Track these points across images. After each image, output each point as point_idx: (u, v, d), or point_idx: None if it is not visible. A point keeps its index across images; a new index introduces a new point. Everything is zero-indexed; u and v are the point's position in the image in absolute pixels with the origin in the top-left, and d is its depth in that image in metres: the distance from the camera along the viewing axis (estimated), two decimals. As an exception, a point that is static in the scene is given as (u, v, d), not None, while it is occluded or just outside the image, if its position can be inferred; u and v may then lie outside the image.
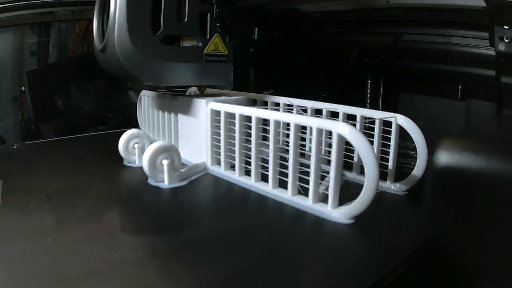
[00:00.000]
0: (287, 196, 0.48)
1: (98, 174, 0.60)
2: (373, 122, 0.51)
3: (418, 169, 0.48)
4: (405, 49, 0.80)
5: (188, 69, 0.57)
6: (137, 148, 0.63)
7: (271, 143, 0.49)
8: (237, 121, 0.53)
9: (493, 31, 0.64)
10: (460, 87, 0.74)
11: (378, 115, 0.51)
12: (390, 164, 0.50)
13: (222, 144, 0.57)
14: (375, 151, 0.50)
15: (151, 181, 0.54)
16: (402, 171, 0.51)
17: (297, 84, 1.07)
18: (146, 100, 0.81)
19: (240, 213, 0.48)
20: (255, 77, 1.07)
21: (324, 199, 0.45)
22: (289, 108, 0.64)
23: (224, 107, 0.56)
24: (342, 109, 0.57)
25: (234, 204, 0.51)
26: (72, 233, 0.41)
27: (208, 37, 0.58)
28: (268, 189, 0.50)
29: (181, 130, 0.67)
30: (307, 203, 0.46)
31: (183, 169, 0.56)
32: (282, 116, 0.47)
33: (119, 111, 1.29)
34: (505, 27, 0.62)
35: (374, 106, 0.85)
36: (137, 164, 0.62)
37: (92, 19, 0.61)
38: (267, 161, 0.50)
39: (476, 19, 0.69)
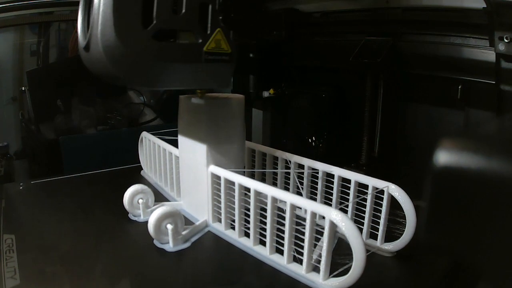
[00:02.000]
0: (283, 263, 0.50)
1: (106, 231, 0.62)
2: (367, 187, 0.54)
3: (406, 236, 0.51)
4: (405, 49, 0.80)
5: (185, 70, 0.49)
6: (141, 203, 0.64)
7: (268, 215, 0.50)
8: (236, 188, 0.54)
9: (493, 32, 0.64)
10: (460, 87, 0.74)
11: (371, 182, 0.53)
12: (381, 229, 0.53)
13: (222, 204, 0.57)
14: (368, 216, 0.54)
15: (156, 243, 0.56)
16: (392, 235, 0.54)
17: (296, 84, 1.07)
18: (147, 143, 0.80)
19: (239, 281, 0.50)
20: (255, 77, 1.07)
21: (317, 267, 0.47)
22: (286, 165, 0.65)
23: (224, 174, 0.56)
24: (337, 171, 0.58)
25: (233, 268, 0.53)
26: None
27: (209, 32, 0.48)
28: (266, 254, 0.52)
29: (183, 181, 0.67)
30: (301, 272, 0.48)
31: (186, 231, 0.57)
32: (279, 194, 0.49)
33: (119, 111, 1.29)
34: (505, 27, 0.62)
35: (374, 106, 0.85)
36: (141, 218, 0.64)
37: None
38: (265, 223, 0.51)
39: (476, 19, 0.69)
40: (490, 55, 0.66)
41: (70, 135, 1.18)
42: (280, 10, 1.02)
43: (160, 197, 0.73)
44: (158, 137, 0.75)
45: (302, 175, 0.62)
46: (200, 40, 0.48)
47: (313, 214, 0.45)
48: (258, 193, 0.51)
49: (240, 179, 0.53)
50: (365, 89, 0.85)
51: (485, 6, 0.64)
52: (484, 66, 0.67)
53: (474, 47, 0.70)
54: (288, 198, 0.47)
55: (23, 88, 1.20)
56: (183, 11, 0.46)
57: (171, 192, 0.72)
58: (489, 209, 0.65)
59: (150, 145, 0.78)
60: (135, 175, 0.84)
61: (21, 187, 0.76)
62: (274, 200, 0.49)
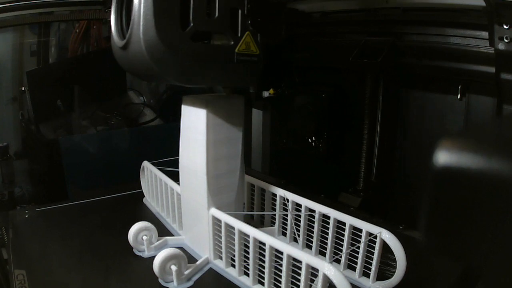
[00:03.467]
0: None
1: (113, 267, 0.63)
2: (361, 230, 0.56)
3: (396, 278, 0.54)
4: (405, 49, 0.80)
5: (219, 69, 0.53)
6: (145, 240, 0.66)
7: (266, 260, 0.52)
8: (236, 233, 0.56)
9: (493, 31, 0.64)
10: (459, 87, 0.74)
11: (365, 227, 0.56)
12: (373, 270, 0.56)
13: (223, 245, 0.59)
14: (361, 258, 0.57)
15: (161, 281, 0.58)
16: (383, 275, 0.57)
17: (296, 84, 1.07)
18: (148, 173, 0.82)
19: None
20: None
21: None
22: (284, 202, 0.67)
23: (225, 218, 0.58)
24: (333, 214, 0.60)
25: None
26: None
27: (239, 35, 0.53)
28: None
29: (185, 217, 0.68)
30: None
31: (189, 270, 0.59)
32: (277, 244, 0.51)
33: (119, 111, 1.29)
34: (505, 27, 0.62)
35: (374, 106, 0.85)
36: (146, 254, 0.65)
37: (101, 18, 0.56)
38: (264, 260, 0.53)
39: (475, 19, 0.69)
40: (490, 55, 0.66)
41: (70, 135, 1.18)
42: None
43: (162, 228, 0.74)
44: (159, 168, 0.77)
45: (300, 216, 0.65)
46: (232, 42, 0.52)
47: (308, 266, 0.47)
48: (256, 240, 0.54)
49: (240, 226, 0.56)
50: (365, 88, 0.85)
51: (485, 6, 0.64)
52: (484, 66, 0.67)
53: (474, 47, 0.70)
54: (285, 249, 0.50)
55: (23, 88, 1.20)
56: (216, 15, 0.50)
57: (173, 224, 0.74)
58: (496, 231, 0.65)
59: (152, 176, 0.80)
60: (138, 203, 0.86)
61: (26, 216, 0.77)
62: (272, 248, 0.51)
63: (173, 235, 0.71)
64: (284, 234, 0.69)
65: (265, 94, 1.09)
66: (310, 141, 1.01)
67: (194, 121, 0.59)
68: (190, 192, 0.64)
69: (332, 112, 0.97)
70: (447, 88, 0.77)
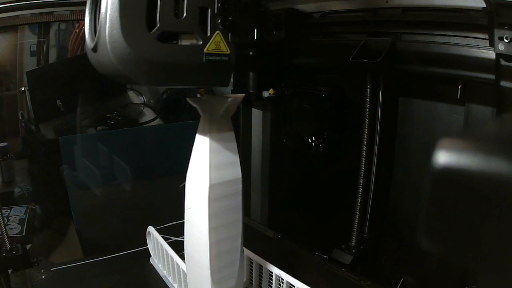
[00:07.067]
0: None
1: None
2: None
3: None
4: (405, 49, 0.80)
5: (188, 69, 0.53)
6: None
7: None
8: None
9: (493, 32, 0.64)
10: (459, 87, 0.74)
11: None
12: None
13: None
14: None
15: None
16: None
17: (296, 84, 1.07)
18: (154, 239, 0.83)
19: None
20: (254, 77, 1.07)
21: None
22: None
23: None
24: None
25: None
26: None
27: (208, 34, 0.52)
28: None
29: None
30: None
31: None
32: None
33: (119, 111, 1.29)
34: (505, 27, 0.62)
35: (373, 106, 0.85)
36: None
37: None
38: None
39: (475, 19, 0.69)
40: (490, 55, 0.66)
41: (70, 135, 1.18)
42: (280, 10, 1.02)
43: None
44: (163, 237, 0.80)
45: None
46: (201, 42, 0.51)
47: None
48: None
49: None
50: (365, 89, 0.85)
51: (485, 6, 0.64)
52: (484, 66, 0.67)
53: (474, 47, 0.70)
54: None
55: (23, 88, 1.20)
56: (184, 14, 0.49)
57: None
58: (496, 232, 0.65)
59: (157, 243, 0.82)
60: (146, 264, 0.88)
61: (43, 276, 0.80)
62: None
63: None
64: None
65: (265, 94, 1.09)
66: (310, 141, 1.01)
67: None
68: (195, 273, 0.63)
69: (332, 112, 0.96)
70: (447, 88, 0.77)
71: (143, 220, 0.87)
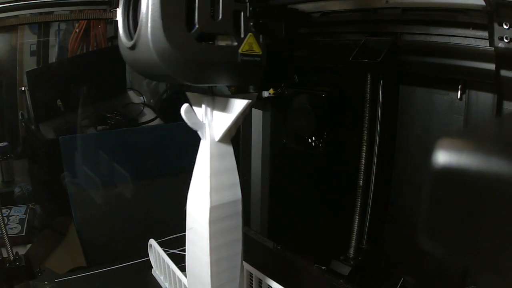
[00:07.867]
0: None
1: None
2: None
3: None
4: (405, 49, 0.80)
5: (224, 68, 0.56)
6: None
7: None
8: None
9: (493, 31, 0.64)
10: (459, 87, 0.74)
11: None
12: None
13: None
14: None
15: None
16: None
17: (296, 84, 1.07)
18: (155, 253, 0.84)
19: None
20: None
21: None
22: None
23: None
24: None
25: None
26: None
27: (242, 36, 0.55)
28: None
29: None
30: None
31: None
32: None
33: (119, 111, 1.29)
34: (505, 26, 0.62)
35: (373, 106, 0.85)
36: None
37: (105, 18, 0.57)
38: None
39: (476, 19, 0.69)
40: (490, 55, 0.66)
41: (70, 135, 1.18)
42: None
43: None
44: (164, 250, 0.81)
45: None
46: (236, 43, 0.55)
47: None
48: None
49: None
50: (365, 88, 0.85)
51: (484, 5, 0.64)
52: (484, 66, 0.67)
53: (474, 47, 0.70)
54: None
55: (23, 88, 1.20)
56: (220, 17, 0.52)
57: None
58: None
59: (159, 257, 0.82)
60: (148, 275, 0.88)
61: None
62: None
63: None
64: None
65: (265, 94, 1.09)
66: (310, 141, 1.01)
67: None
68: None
69: (332, 112, 0.96)
70: (447, 88, 0.77)
71: (143, 220, 0.87)
